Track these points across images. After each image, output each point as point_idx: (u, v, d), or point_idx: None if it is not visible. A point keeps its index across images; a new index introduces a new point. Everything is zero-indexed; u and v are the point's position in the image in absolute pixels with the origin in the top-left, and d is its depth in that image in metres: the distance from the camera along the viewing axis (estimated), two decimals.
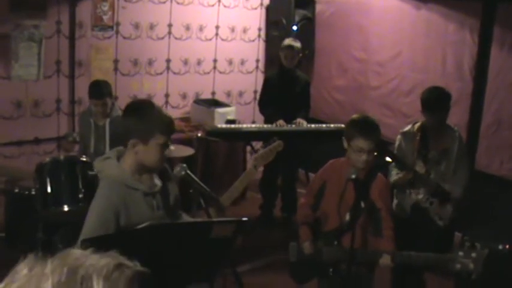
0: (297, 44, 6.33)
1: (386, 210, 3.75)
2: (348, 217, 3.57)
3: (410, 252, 3.58)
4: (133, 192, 2.81)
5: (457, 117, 4.67)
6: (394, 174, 4.56)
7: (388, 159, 4.38)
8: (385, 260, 3.55)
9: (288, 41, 6.36)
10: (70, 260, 1.07)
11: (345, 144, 3.68)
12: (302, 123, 6.37)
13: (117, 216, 2.73)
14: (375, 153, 3.65)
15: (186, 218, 3.21)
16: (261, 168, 6.75)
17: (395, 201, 4.61)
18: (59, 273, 1.04)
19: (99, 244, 2.41)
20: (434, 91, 4.58)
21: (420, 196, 4.58)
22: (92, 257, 1.09)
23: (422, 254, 3.58)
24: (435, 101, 4.49)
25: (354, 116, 3.82)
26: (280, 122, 6.29)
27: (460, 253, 3.41)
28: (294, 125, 6.35)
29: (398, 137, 4.70)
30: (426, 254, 3.59)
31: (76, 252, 1.11)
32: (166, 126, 2.83)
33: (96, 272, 1.05)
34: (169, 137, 2.85)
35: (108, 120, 5.24)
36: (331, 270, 3.67)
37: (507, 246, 5.14)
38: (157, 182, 2.94)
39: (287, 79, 6.42)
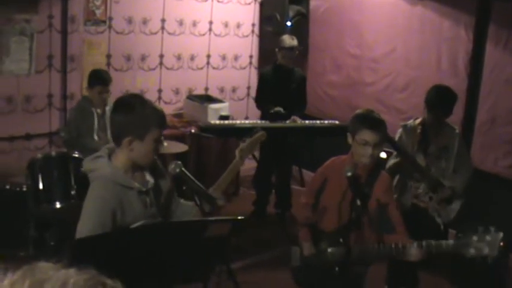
0: (296, 44, 6.25)
1: (393, 206, 3.61)
2: (353, 215, 3.42)
3: (430, 241, 3.33)
4: (128, 190, 2.75)
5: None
6: (391, 163, 4.56)
7: (382, 155, 4.31)
8: (414, 250, 3.31)
9: (288, 42, 6.22)
10: (36, 273, 0.97)
11: (350, 140, 3.53)
12: (296, 121, 6.25)
13: (114, 216, 2.66)
14: (381, 149, 3.55)
15: (184, 204, 3.17)
16: (254, 164, 6.77)
17: (394, 196, 4.56)
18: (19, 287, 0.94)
19: (93, 244, 2.39)
20: (439, 89, 4.60)
21: (420, 190, 4.58)
22: (63, 272, 0.98)
23: (441, 242, 3.33)
24: (436, 98, 4.50)
25: (358, 110, 3.65)
26: (277, 108, 6.21)
27: (474, 237, 3.19)
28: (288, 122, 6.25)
29: (400, 130, 4.72)
30: (444, 242, 3.34)
31: (44, 265, 1.00)
32: (160, 119, 2.79)
33: None
34: (163, 130, 2.82)
35: (108, 108, 5.30)
36: (337, 269, 3.42)
37: (501, 244, 5.13)
38: (150, 178, 2.90)
39: (283, 75, 6.35)
